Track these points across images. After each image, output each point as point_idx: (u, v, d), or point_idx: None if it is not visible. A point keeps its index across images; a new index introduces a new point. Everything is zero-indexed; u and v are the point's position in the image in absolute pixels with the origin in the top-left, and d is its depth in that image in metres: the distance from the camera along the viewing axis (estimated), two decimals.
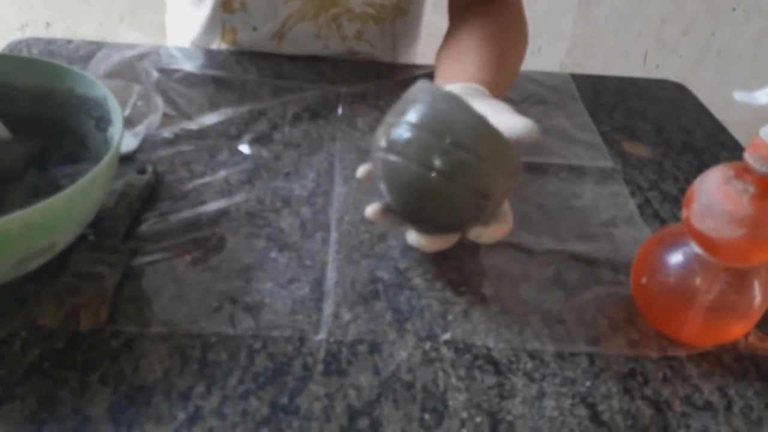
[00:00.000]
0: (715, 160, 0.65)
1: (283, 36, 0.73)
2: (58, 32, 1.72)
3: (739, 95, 0.38)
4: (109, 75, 0.65)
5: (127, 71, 0.66)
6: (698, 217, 0.40)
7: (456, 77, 0.55)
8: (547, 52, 1.69)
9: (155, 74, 0.66)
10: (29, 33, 1.73)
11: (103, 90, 0.47)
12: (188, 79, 0.67)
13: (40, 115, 0.49)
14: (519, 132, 0.44)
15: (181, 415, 0.36)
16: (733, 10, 1.66)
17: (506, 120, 0.45)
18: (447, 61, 0.62)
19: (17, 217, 0.35)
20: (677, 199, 0.59)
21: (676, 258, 0.43)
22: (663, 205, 0.58)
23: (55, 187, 0.44)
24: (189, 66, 0.70)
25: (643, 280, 0.45)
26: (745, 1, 1.65)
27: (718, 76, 1.72)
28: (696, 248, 0.42)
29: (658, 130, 0.69)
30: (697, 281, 0.42)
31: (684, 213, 0.42)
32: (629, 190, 0.59)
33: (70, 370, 0.38)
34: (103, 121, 0.47)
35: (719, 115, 0.74)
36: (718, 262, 0.41)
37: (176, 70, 0.68)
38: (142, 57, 0.68)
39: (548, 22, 1.64)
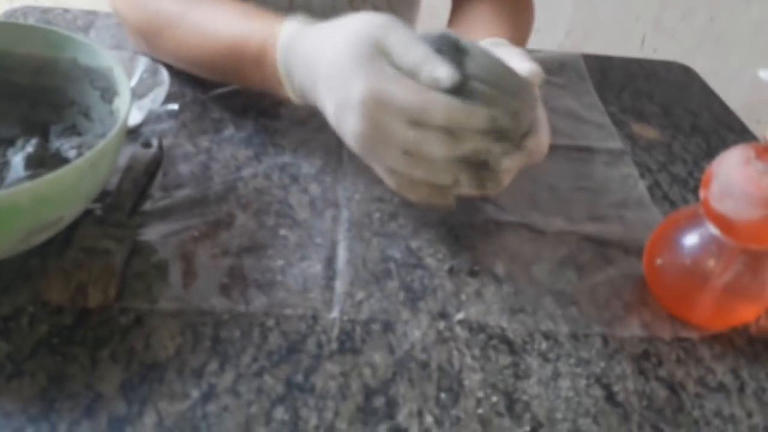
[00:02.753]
0: (723, 143, 0.65)
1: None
2: (47, 3, 1.67)
3: (764, 73, 0.38)
4: (111, 46, 0.63)
5: (128, 42, 0.64)
6: (717, 198, 0.40)
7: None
8: (545, 35, 1.67)
9: None
10: (18, 3, 1.68)
11: (108, 60, 0.45)
12: None
13: (41, 85, 0.48)
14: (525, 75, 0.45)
15: (195, 393, 0.36)
16: None
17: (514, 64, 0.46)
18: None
19: (26, 188, 0.34)
20: (686, 182, 0.58)
21: (691, 239, 0.43)
22: (672, 187, 0.57)
23: (60, 160, 0.43)
24: None
25: (658, 261, 0.45)
26: None
27: (716, 61, 1.71)
28: (712, 229, 0.42)
29: (666, 112, 0.69)
30: (712, 263, 0.42)
31: (702, 194, 0.41)
32: (639, 172, 0.58)
33: (80, 346, 0.37)
34: (108, 93, 0.45)
35: None
36: (735, 243, 0.41)
37: None
38: None
39: (547, 4, 1.62)
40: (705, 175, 0.42)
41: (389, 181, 0.45)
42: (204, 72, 0.57)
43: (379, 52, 0.42)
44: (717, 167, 0.41)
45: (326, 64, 0.43)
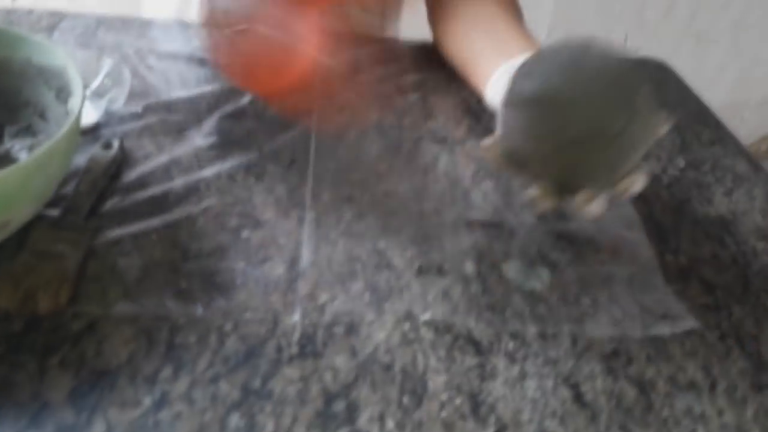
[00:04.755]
0: (697, 139, 0.64)
1: None
2: (24, 4, 1.65)
3: None
4: (76, 46, 0.62)
5: (92, 43, 0.63)
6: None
7: (511, 52, 0.53)
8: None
9: (124, 47, 0.63)
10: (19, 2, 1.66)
11: (62, 59, 0.44)
12: (158, 52, 0.64)
13: None
14: None
15: (147, 400, 0.34)
16: None
17: None
18: (478, 43, 0.59)
19: None
20: (659, 178, 0.58)
21: None
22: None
23: (10, 161, 0.42)
24: (160, 39, 0.67)
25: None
26: None
27: (697, 59, 1.72)
28: None
29: None
30: None
31: None
32: None
33: (28, 354, 0.36)
34: (63, 92, 0.44)
35: None
36: None
37: (147, 43, 0.65)
38: (109, 28, 0.65)
39: (528, 3, 1.62)
40: None
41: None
42: None
43: None
44: None
45: None
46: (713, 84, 1.58)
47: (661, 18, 1.70)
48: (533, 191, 0.43)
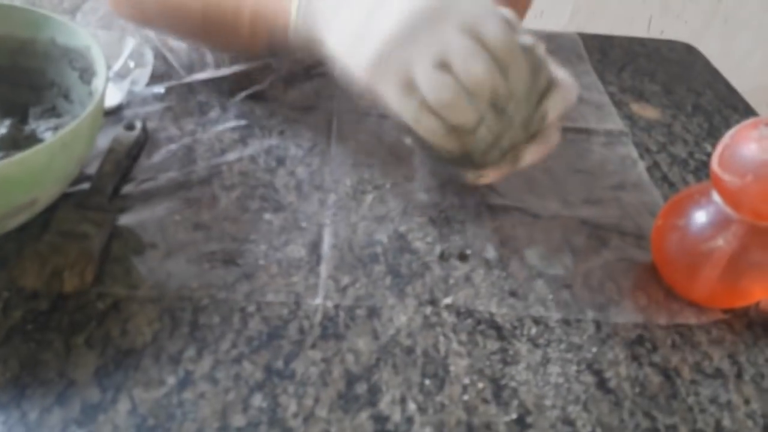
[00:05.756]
0: (726, 123, 0.63)
1: None
2: None
3: None
4: (98, 28, 0.62)
5: (114, 25, 0.63)
6: (726, 170, 0.38)
7: None
8: (549, 17, 1.64)
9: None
10: None
11: (86, 39, 0.44)
12: None
13: (21, 66, 0.47)
14: None
15: (171, 380, 0.35)
16: None
17: None
18: None
19: None
20: (686, 162, 0.56)
21: (699, 214, 0.41)
22: (672, 168, 0.55)
23: (35, 141, 0.42)
24: None
25: (666, 237, 0.43)
26: None
27: (723, 42, 1.68)
28: (721, 203, 0.40)
29: (668, 91, 0.67)
30: (717, 235, 0.40)
31: (711, 165, 0.40)
32: (638, 153, 0.56)
33: (54, 332, 0.36)
34: (87, 73, 0.44)
35: None
36: (740, 217, 0.39)
37: None
38: None
39: None
40: (716, 147, 0.40)
41: (403, 106, 0.40)
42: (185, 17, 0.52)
43: None
44: (728, 139, 0.39)
45: None
46: (741, 67, 1.55)
47: (686, 1, 1.66)
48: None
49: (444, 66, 0.38)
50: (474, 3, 0.39)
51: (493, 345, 0.39)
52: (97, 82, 0.42)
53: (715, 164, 0.39)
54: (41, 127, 0.43)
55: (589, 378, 0.38)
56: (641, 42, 0.77)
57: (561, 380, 0.37)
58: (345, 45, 0.41)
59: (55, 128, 0.43)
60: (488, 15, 0.39)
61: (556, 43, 0.72)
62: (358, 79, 0.41)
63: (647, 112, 0.63)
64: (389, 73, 0.39)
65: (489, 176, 0.44)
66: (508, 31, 0.39)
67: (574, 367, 0.38)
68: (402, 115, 0.40)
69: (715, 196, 0.40)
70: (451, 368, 0.37)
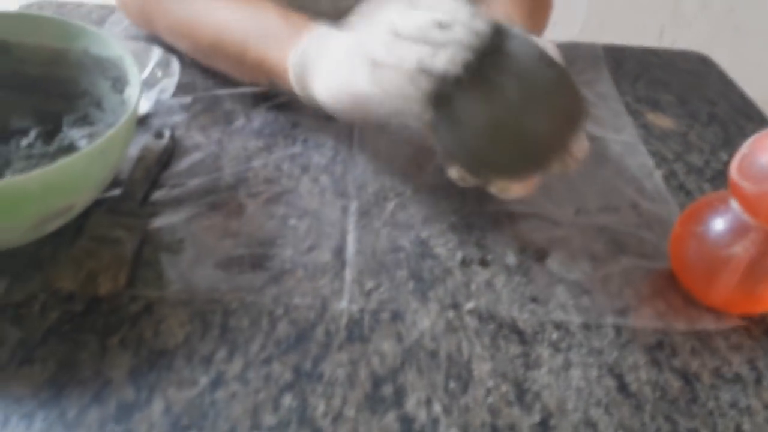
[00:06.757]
0: (741, 133, 0.63)
1: None
2: None
3: None
4: (124, 38, 0.63)
5: (141, 36, 0.65)
6: (745, 177, 0.39)
7: None
8: (561, 27, 1.65)
9: None
10: None
11: (118, 50, 0.45)
12: None
13: (53, 76, 0.48)
14: None
15: (204, 380, 0.36)
16: None
17: None
18: None
19: (36, 176, 0.35)
20: (703, 171, 0.57)
21: (718, 221, 0.42)
22: (689, 176, 0.56)
23: (72, 149, 0.43)
24: None
25: (685, 243, 0.44)
26: None
27: (735, 52, 1.68)
28: (739, 211, 0.41)
29: (682, 101, 0.68)
30: (738, 245, 0.41)
31: (730, 173, 0.40)
32: (654, 162, 0.57)
33: (90, 333, 0.38)
34: (119, 82, 0.46)
35: None
36: (758, 224, 0.40)
37: None
38: None
39: None
40: (734, 156, 0.41)
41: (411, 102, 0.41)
42: (204, 48, 0.57)
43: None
44: (747, 147, 0.40)
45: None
46: (753, 77, 1.55)
47: (697, 10, 1.67)
48: (455, 172, 0.45)
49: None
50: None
51: (516, 349, 0.40)
52: (130, 91, 0.44)
53: (733, 172, 0.40)
54: (75, 134, 0.45)
55: (610, 382, 0.39)
56: (655, 52, 0.77)
57: (582, 384, 0.38)
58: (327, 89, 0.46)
59: (89, 136, 0.45)
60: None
61: (576, 52, 0.73)
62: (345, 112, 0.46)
63: (662, 121, 0.63)
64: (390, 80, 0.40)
65: (514, 190, 0.45)
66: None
67: (595, 371, 0.39)
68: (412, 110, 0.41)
69: (734, 204, 0.41)
70: (475, 371, 0.38)
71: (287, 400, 0.35)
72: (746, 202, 0.40)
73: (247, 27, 0.52)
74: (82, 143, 0.44)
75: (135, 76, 0.43)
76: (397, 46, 0.39)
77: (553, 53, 0.44)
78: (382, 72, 0.40)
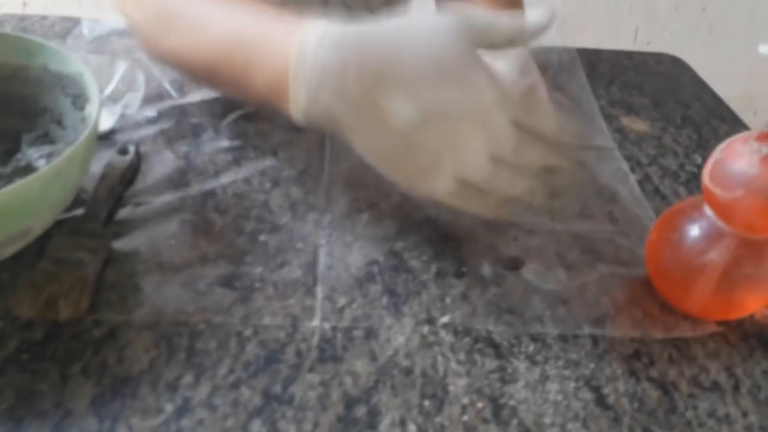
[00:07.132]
0: (714, 134, 0.63)
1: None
2: (35, 11, 1.66)
3: (764, 48, 0.37)
4: (89, 52, 0.62)
5: (106, 49, 0.63)
6: (718, 184, 0.39)
7: None
8: None
9: (137, 51, 0.63)
10: (4, 11, 1.67)
11: (78, 66, 0.44)
12: None
13: (13, 92, 0.47)
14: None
15: (169, 407, 0.35)
16: None
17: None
18: None
19: None
20: (677, 175, 0.57)
21: (692, 228, 0.42)
22: (663, 180, 0.56)
23: (29, 170, 0.42)
24: None
25: (661, 252, 0.43)
26: None
27: (709, 51, 1.70)
28: (713, 218, 0.40)
29: (656, 104, 0.68)
30: (713, 252, 0.40)
31: (703, 180, 0.40)
32: (629, 166, 0.57)
33: (50, 362, 0.36)
34: (79, 99, 0.44)
35: None
36: (733, 231, 0.39)
37: None
38: (122, 33, 0.65)
39: None
40: (706, 161, 0.40)
41: (450, 192, 0.41)
42: (201, 74, 0.47)
43: (473, 43, 0.39)
44: (718, 153, 0.40)
45: (408, 62, 0.37)
46: (725, 75, 1.56)
47: (672, 10, 1.68)
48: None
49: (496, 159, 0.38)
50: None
51: (492, 363, 0.39)
52: (91, 108, 0.42)
53: (706, 179, 0.39)
54: (34, 154, 0.43)
55: (587, 394, 0.38)
56: (629, 55, 0.77)
57: (560, 397, 0.38)
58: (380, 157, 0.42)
59: (49, 155, 0.43)
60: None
61: (551, 56, 0.72)
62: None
63: (637, 125, 0.63)
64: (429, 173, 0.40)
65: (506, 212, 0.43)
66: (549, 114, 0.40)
67: (572, 384, 0.38)
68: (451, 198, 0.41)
69: (707, 210, 0.41)
70: (450, 388, 0.37)
71: (256, 425, 0.34)
72: (720, 208, 0.39)
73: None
74: (41, 163, 0.43)
75: (95, 93, 0.41)
76: (501, 176, 0.39)
77: (527, 64, 0.44)
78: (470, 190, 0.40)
